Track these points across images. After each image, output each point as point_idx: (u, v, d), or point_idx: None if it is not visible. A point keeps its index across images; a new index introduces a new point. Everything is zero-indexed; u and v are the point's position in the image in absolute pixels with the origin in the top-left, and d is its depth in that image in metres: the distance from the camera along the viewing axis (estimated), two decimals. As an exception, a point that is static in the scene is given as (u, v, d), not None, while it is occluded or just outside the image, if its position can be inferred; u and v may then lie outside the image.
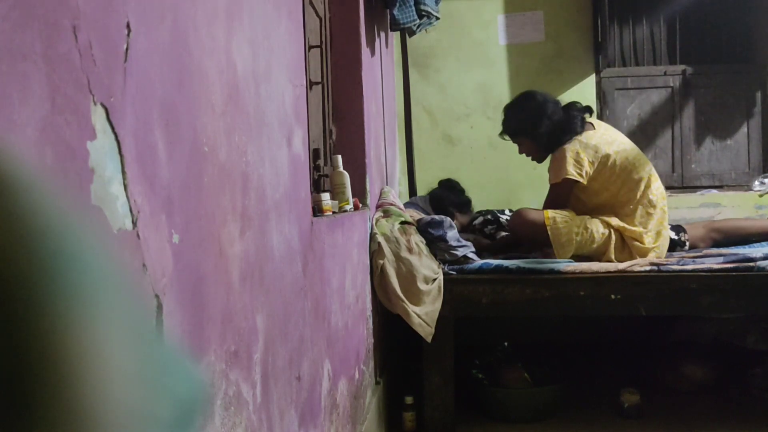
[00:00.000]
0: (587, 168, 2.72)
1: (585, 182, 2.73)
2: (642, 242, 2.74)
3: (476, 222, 3.35)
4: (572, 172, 2.71)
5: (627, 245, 2.76)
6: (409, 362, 3.07)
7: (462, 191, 3.53)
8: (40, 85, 0.56)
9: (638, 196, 2.76)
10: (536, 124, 2.83)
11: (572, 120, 2.83)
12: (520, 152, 3.00)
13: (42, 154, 0.56)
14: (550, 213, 2.76)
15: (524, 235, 2.91)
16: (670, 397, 2.92)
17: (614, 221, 2.75)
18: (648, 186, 2.77)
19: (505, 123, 2.96)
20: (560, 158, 2.75)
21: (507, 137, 3.00)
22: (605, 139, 2.79)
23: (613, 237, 2.74)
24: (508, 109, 2.97)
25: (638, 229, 2.74)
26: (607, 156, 2.73)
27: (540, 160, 2.98)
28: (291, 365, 1.32)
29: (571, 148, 2.74)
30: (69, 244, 0.34)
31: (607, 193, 2.78)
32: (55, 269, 0.33)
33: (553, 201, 2.83)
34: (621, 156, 2.76)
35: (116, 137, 0.67)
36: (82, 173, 0.62)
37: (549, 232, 2.72)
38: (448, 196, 3.42)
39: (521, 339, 3.13)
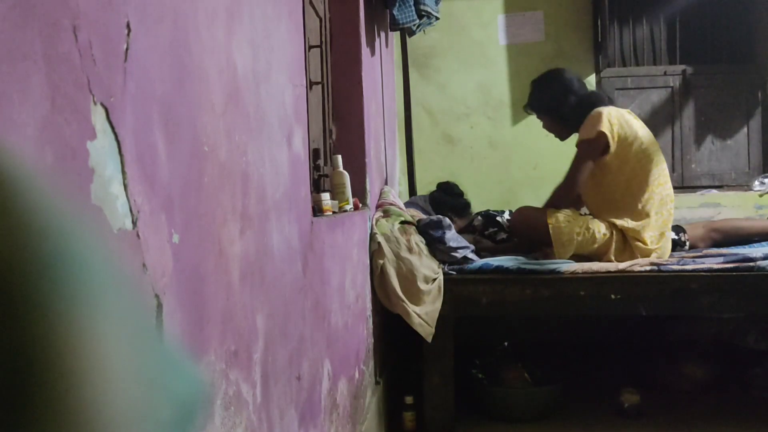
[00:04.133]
0: (618, 132, 2.71)
1: (614, 146, 2.70)
2: (644, 242, 2.72)
3: (476, 223, 3.33)
4: (607, 130, 2.69)
5: (628, 247, 2.74)
6: (409, 362, 3.07)
7: (460, 194, 3.47)
8: (40, 85, 0.56)
9: (647, 193, 2.73)
10: (561, 103, 2.87)
11: (600, 97, 2.89)
12: (544, 127, 3.02)
13: (42, 153, 0.56)
14: (552, 212, 2.76)
15: (525, 233, 2.90)
16: (670, 397, 2.92)
17: (617, 221, 2.73)
18: (660, 185, 2.75)
19: (530, 98, 3.01)
20: (596, 116, 2.73)
21: (531, 111, 3.04)
22: (634, 122, 2.80)
23: (615, 238, 2.73)
24: (535, 84, 3.00)
25: (642, 222, 2.72)
26: (635, 134, 2.72)
27: (563, 137, 2.99)
28: (291, 365, 1.32)
29: (607, 111, 2.73)
30: (69, 244, 0.34)
31: (622, 177, 2.73)
32: (55, 269, 0.33)
33: (579, 160, 2.75)
34: (646, 140, 2.75)
35: (116, 137, 0.67)
36: (82, 173, 0.62)
37: (551, 231, 2.71)
38: (446, 200, 3.39)
39: (521, 339, 3.13)
